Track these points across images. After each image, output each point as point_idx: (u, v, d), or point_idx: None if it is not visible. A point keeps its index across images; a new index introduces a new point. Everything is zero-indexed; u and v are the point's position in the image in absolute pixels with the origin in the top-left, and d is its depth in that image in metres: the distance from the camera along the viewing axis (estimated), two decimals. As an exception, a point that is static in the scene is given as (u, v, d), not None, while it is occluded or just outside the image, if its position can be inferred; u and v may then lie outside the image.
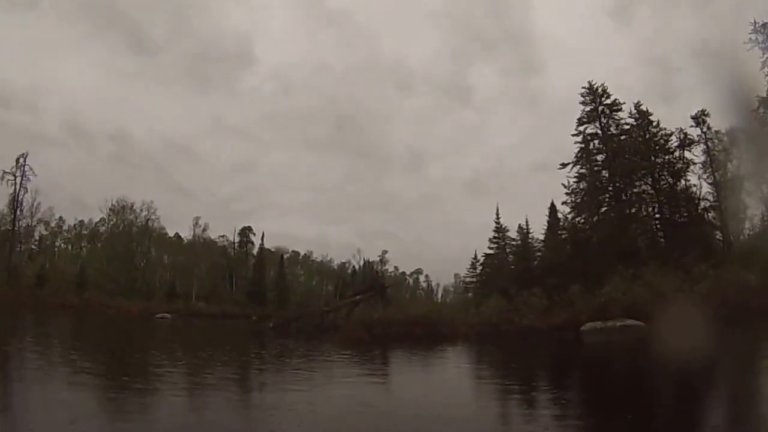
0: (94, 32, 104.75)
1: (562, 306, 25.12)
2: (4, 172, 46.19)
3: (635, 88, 65.59)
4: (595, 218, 31.18)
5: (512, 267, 36.71)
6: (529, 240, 37.87)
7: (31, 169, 46.87)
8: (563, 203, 33.08)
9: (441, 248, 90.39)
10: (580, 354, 18.91)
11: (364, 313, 24.75)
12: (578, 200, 31.95)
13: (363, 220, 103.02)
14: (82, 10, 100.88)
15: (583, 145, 33.00)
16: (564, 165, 33.11)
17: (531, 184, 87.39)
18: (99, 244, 57.94)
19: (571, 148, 33.06)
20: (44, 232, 61.60)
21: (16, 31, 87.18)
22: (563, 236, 33.01)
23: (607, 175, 32.05)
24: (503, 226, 40.00)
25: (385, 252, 72.09)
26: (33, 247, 60.16)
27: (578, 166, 32.79)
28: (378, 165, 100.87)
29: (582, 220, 31.64)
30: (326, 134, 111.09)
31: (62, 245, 65.08)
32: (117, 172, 77.20)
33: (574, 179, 32.72)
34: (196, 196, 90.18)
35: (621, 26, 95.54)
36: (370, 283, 37.98)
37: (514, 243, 39.75)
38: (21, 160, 46.45)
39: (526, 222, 38.57)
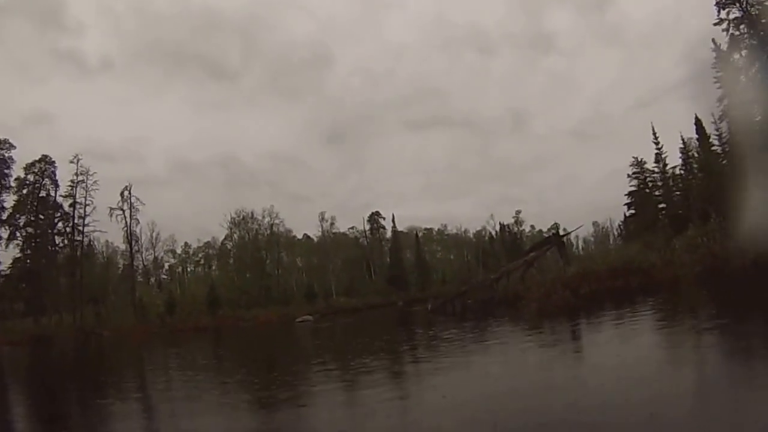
0: (173, 74, 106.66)
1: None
2: (111, 209, 44.70)
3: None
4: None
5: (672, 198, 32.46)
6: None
7: (137, 199, 45.97)
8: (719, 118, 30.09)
9: (565, 202, 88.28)
10: None
11: (550, 271, 21.27)
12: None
13: (481, 191, 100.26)
14: (154, 58, 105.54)
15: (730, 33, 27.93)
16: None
17: (639, 119, 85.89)
18: (230, 261, 58.20)
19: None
20: (173, 261, 63.78)
21: (99, 92, 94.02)
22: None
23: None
24: (660, 150, 38.79)
25: (518, 212, 70.02)
26: (164, 276, 62.59)
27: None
28: (483, 133, 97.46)
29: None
30: (424, 113, 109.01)
31: (192, 269, 66.72)
32: (232, 193, 79.84)
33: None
34: (313, 201, 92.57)
35: None
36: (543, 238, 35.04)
37: (656, 173, 40.25)
38: (125, 193, 45.55)
39: (682, 139, 36.80)
